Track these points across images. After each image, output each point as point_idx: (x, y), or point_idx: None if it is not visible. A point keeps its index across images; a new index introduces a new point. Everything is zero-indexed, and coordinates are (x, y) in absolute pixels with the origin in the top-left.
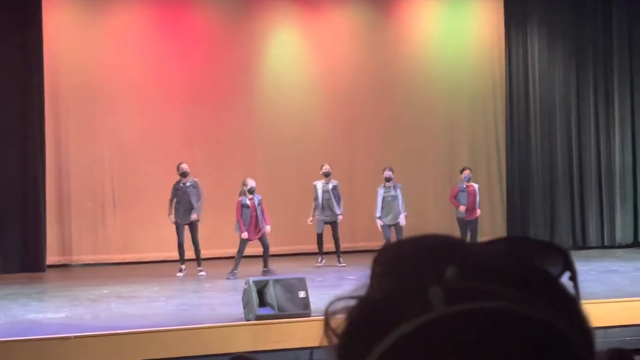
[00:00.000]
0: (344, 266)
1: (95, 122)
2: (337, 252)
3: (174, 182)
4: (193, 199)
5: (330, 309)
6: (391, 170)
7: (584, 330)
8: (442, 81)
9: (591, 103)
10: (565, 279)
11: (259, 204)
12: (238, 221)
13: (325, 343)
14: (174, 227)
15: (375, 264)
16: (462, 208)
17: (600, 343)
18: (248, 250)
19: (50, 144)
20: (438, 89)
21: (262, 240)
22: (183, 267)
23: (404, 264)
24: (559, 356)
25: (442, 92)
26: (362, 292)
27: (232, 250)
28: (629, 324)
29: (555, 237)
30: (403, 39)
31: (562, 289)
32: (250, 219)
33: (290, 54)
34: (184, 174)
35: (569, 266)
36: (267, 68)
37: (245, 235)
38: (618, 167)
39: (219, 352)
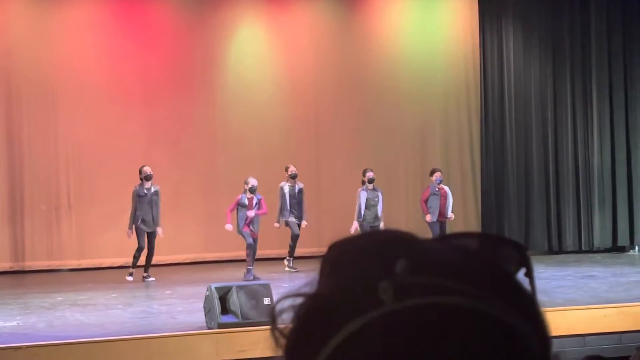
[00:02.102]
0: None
1: (50, 121)
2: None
3: (132, 183)
4: (154, 209)
5: (277, 308)
6: (372, 171)
7: (539, 328)
8: (414, 79)
9: (568, 102)
10: (521, 275)
11: (257, 203)
12: (228, 216)
13: (276, 349)
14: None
15: (325, 262)
16: (429, 217)
17: (578, 351)
18: (218, 255)
19: (2, 142)
20: (409, 87)
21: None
22: (133, 271)
23: (353, 260)
24: (512, 352)
25: (413, 90)
26: (309, 288)
27: (195, 255)
28: (606, 331)
29: (531, 241)
30: (373, 35)
31: (516, 285)
32: (246, 218)
33: (254, 50)
34: (147, 177)
35: (525, 262)
36: (229, 64)
37: (229, 227)
38: (596, 168)
39: None
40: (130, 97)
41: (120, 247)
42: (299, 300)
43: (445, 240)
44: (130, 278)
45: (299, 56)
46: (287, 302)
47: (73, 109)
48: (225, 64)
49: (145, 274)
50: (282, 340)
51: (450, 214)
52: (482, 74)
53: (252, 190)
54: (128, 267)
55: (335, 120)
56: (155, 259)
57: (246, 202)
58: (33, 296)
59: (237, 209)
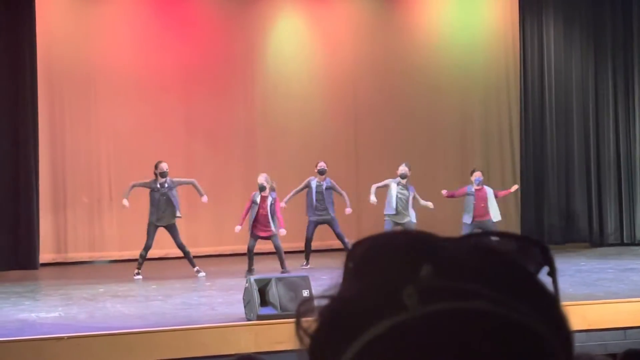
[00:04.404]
0: None
1: (91, 113)
2: (346, 250)
3: (172, 175)
4: (174, 201)
5: (302, 309)
6: (408, 166)
7: (562, 331)
8: (453, 71)
9: (610, 92)
10: (543, 274)
11: (272, 203)
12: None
13: (298, 345)
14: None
15: (348, 260)
16: (445, 192)
17: (618, 344)
18: (258, 247)
19: (44, 135)
20: (448, 79)
21: (273, 241)
22: (140, 271)
23: (377, 262)
24: (534, 356)
25: (453, 82)
26: (334, 291)
27: (234, 247)
28: None
29: (572, 233)
30: (411, 27)
31: (540, 287)
32: (256, 216)
33: (293, 43)
34: (163, 174)
35: (547, 261)
36: (269, 57)
37: (237, 229)
38: (638, 160)
39: (219, 354)
40: (170, 90)
41: (160, 238)
42: (323, 302)
43: (467, 240)
44: (138, 277)
45: (338, 49)
46: (313, 303)
47: (113, 103)
48: (264, 56)
49: (195, 269)
50: (307, 340)
51: (493, 215)
52: (522, 66)
53: (261, 189)
54: (167, 259)
55: (374, 113)
56: (195, 251)
57: (258, 200)
58: (75, 287)
59: (250, 207)
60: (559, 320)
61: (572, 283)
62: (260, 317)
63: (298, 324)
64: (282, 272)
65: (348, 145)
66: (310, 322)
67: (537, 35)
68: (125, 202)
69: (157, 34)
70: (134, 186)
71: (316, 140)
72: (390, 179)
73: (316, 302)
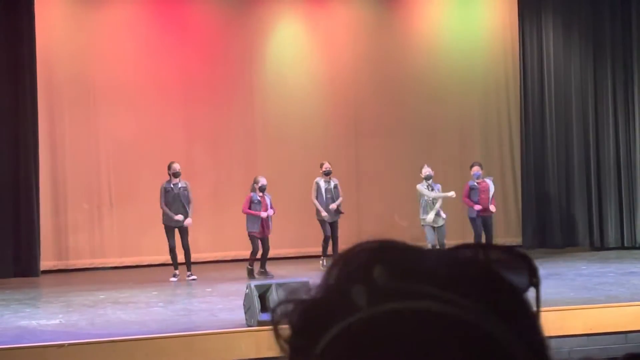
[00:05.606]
0: None
1: (91, 120)
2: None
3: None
4: (185, 202)
5: (276, 314)
6: (429, 167)
7: (527, 335)
8: (453, 74)
9: (609, 96)
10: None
11: (269, 202)
12: (249, 214)
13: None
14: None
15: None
16: (478, 207)
17: (620, 348)
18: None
19: (44, 142)
20: (448, 82)
21: (266, 243)
22: (177, 272)
23: (340, 267)
24: (485, 357)
25: (452, 85)
26: (298, 295)
27: (234, 253)
28: None
29: (572, 237)
30: (411, 30)
31: (505, 293)
32: (260, 219)
33: (292, 47)
34: (175, 175)
35: (532, 272)
36: (268, 62)
37: (271, 212)
38: (638, 163)
39: None
40: (170, 95)
41: (160, 245)
42: (291, 307)
43: (453, 251)
44: (173, 279)
45: (338, 53)
46: (284, 308)
47: (113, 108)
48: (264, 61)
49: (187, 273)
50: (286, 347)
51: (492, 207)
52: (522, 69)
53: (263, 189)
54: (168, 265)
55: (375, 117)
56: (195, 257)
57: (258, 198)
58: (75, 294)
59: (250, 207)
60: (527, 328)
61: (572, 287)
62: (261, 323)
63: (276, 332)
64: (261, 272)
65: (348, 149)
66: (285, 328)
67: (536, 39)
68: (177, 217)
69: (156, 39)
70: (166, 205)
71: (316, 144)
72: (418, 184)
73: (284, 307)
